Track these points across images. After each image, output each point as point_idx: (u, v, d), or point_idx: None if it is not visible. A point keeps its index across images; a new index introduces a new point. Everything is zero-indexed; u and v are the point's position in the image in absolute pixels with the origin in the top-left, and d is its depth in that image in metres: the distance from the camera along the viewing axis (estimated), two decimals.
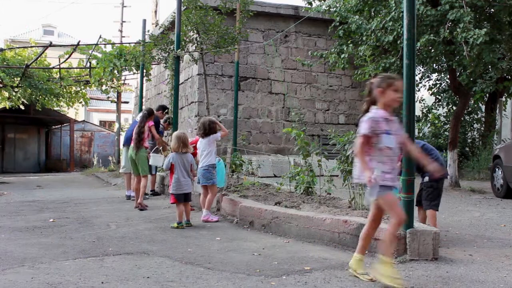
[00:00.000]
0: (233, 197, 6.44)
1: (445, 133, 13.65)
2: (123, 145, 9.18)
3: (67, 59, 15.15)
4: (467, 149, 13.69)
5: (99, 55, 15.61)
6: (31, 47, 17.95)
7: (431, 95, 15.05)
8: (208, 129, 6.27)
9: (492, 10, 8.86)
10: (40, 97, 18.43)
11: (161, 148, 8.60)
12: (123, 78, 19.12)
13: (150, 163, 8.06)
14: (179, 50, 8.93)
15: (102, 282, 3.41)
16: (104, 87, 16.96)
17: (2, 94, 18.78)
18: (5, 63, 16.83)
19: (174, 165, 5.92)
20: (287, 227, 5.10)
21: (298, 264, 3.89)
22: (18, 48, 18.14)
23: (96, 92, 23.78)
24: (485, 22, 8.71)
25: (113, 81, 16.95)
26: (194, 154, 6.47)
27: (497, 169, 8.71)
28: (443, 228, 5.38)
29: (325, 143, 9.87)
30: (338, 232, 4.52)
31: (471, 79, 9.49)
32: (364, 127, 3.33)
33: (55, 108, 22.32)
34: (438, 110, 14.86)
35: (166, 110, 9.65)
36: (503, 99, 13.48)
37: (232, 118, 11.21)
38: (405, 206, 4.06)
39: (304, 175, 6.31)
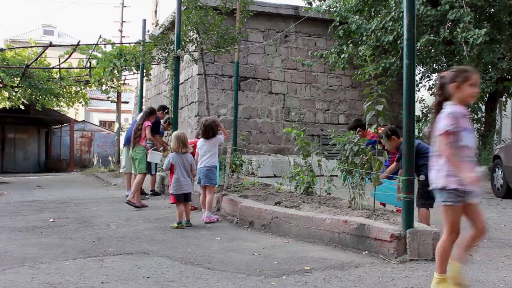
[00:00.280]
0: (233, 197, 6.44)
1: None
2: (124, 145, 9.21)
3: (67, 59, 15.15)
4: None
5: (99, 55, 15.61)
6: (31, 47, 17.95)
7: (431, 95, 15.03)
8: (211, 132, 6.24)
9: (492, 10, 8.87)
10: (40, 97, 18.43)
11: (161, 148, 8.61)
12: (123, 78, 19.11)
13: (148, 160, 8.09)
14: (179, 50, 8.93)
15: (102, 282, 3.41)
16: (104, 87, 16.96)
17: (2, 94, 18.78)
18: (5, 63, 16.83)
19: (174, 165, 5.92)
20: (287, 227, 5.10)
21: (298, 264, 3.89)
22: (18, 48, 18.14)
23: (96, 92, 23.78)
24: (485, 22, 8.72)
25: (113, 81, 16.95)
26: (193, 154, 6.47)
27: (497, 169, 8.71)
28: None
29: (325, 143, 9.87)
30: (338, 232, 4.52)
31: None
32: (445, 124, 2.99)
33: (55, 108, 22.32)
34: None
35: (166, 110, 9.65)
36: (503, 99, 13.48)
37: (232, 118, 11.21)
38: (405, 206, 4.06)
39: (304, 175, 6.31)
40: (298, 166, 6.61)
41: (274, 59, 13.38)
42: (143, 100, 14.61)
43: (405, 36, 4.12)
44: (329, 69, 11.49)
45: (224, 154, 8.07)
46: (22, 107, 19.19)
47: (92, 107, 33.73)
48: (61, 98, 19.80)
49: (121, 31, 24.93)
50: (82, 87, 19.64)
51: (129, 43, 16.08)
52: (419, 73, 14.50)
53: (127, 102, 26.41)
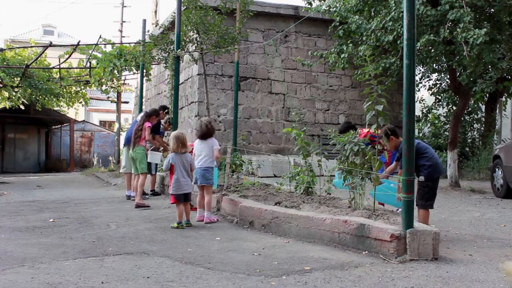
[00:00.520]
0: (233, 197, 6.44)
1: (445, 133, 13.66)
2: (124, 145, 9.22)
3: (67, 59, 15.15)
4: (467, 149, 13.69)
5: (99, 55, 15.61)
6: (31, 47, 17.95)
7: (431, 95, 15.05)
8: (206, 131, 6.24)
9: (492, 10, 8.86)
10: (40, 97, 18.44)
11: (161, 148, 8.61)
12: (123, 78, 19.12)
13: (148, 160, 8.12)
14: (179, 50, 8.93)
15: (102, 282, 3.41)
16: (104, 87, 16.97)
17: (2, 94, 18.79)
18: (5, 63, 16.83)
19: (174, 165, 5.92)
20: (287, 227, 5.10)
21: (298, 264, 3.89)
22: (18, 48, 18.14)
23: (96, 92, 23.79)
24: (485, 22, 8.71)
25: (113, 81, 16.95)
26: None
27: (497, 169, 8.71)
28: (443, 228, 5.39)
29: (325, 143, 9.87)
30: (338, 232, 4.52)
31: (471, 79, 9.49)
32: None
33: (55, 108, 22.33)
34: (438, 110, 14.86)
35: (167, 110, 9.66)
36: (503, 99, 13.49)
37: (232, 118, 11.21)
38: (405, 206, 4.06)
39: (304, 175, 6.31)
40: (298, 166, 6.61)
41: (274, 59, 13.38)
42: (143, 100, 14.62)
43: (405, 36, 4.12)
44: (329, 69, 11.49)
45: (224, 154, 8.07)
46: (22, 107, 19.19)
47: (92, 107, 33.73)
48: (61, 98, 19.81)
49: (121, 31, 24.93)
50: (82, 87, 19.65)
51: (129, 43, 16.08)
52: (419, 73, 14.52)
53: (127, 102, 26.41)
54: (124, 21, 25.39)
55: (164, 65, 10.66)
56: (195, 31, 9.43)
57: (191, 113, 13.12)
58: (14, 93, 17.83)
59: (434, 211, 6.18)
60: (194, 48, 9.66)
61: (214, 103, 12.54)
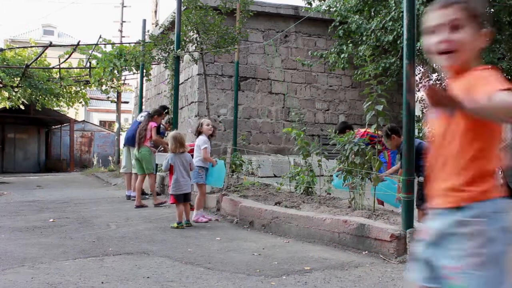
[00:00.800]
0: (233, 197, 6.44)
1: None
2: (124, 145, 9.23)
3: (67, 59, 15.14)
4: None
5: (99, 55, 15.61)
6: (31, 47, 17.95)
7: None
8: (197, 131, 6.38)
9: (492, 10, 8.86)
10: (40, 97, 18.43)
11: (161, 148, 8.61)
12: (123, 78, 19.11)
13: (156, 162, 8.18)
14: (179, 50, 8.93)
15: (102, 282, 3.41)
16: (104, 87, 16.96)
17: (2, 94, 18.78)
18: (5, 63, 16.83)
19: (173, 165, 5.93)
20: (287, 227, 5.10)
21: (298, 264, 3.89)
22: (18, 48, 18.13)
23: (96, 92, 23.77)
24: (485, 22, 8.72)
25: (113, 81, 16.94)
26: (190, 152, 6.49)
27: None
28: None
29: (325, 143, 9.87)
30: (338, 232, 4.52)
31: None
32: None
33: (55, 108, 22.32)
34: None
35: (167, 110, 9.66)
36: None
37: (232, 118, 11.20)
38: (405, 206, 4.06)
39: (304, 175, 6.32)
40: (298, 166, 6.62)
41: (274, 59, 13.38)
42: (143, 100, 14.61)
43: (405, 36, 4.12)
44: (329, 69, 11.49)
45: (224, 154, 8.07)
46: (22, 107, 19.18)
47: (92, 107, 33.72)
48: (61, 98, 19.80)
49: (121, 31, 24.93)
50: (82, 87, 19.64)
51: (129, 43, 16.07)
52: (419, 73, 14.51)
53: (127, 102, 26.40)
54: (124, 21, 25.39)
55: (164, 65, 10.66)
56: (195, 31, 9.42)
57: (191, 113, 13.12)
58: (14, 93, 17.83)
59: None
60: (194, 48, 9.66)
61: (214, 103, 12.54)
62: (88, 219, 6.42)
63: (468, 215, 1.53)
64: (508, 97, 1.33)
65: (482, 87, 1.43)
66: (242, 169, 8.17)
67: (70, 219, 6.39)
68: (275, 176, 11.12)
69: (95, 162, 22.44)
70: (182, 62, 9.41)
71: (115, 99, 20.69)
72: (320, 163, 5.95)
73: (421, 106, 14.98)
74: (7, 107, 19.08)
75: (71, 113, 25.59)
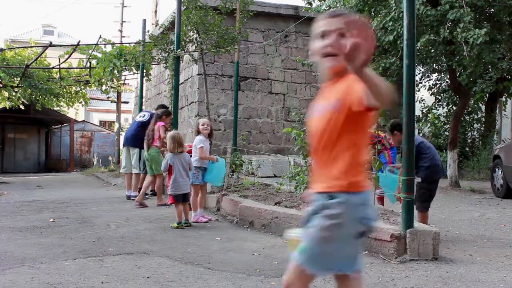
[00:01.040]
0: (233, 197, 6.44)
1: (445, 133, 13.65)
2: (123, 145, 9.24)
3: (67, 59, 15.14)
4: (467, 149, 13.69)
5: (99, 55, 15.60)
6: (31, 47, 17.94)
7: (431, 95, 15.05)
8: (196, 129, 6.40)
9: (492, 10, 8.86)
10: (40, 97, 18.43)
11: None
12: (123, 78, 19.10)
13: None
14: (179, 50, 8.93)
15: (102, 282, 3.40)
16: (104, 87, 16.95)
17: (2, 94, 18.78)
18: (5, 63, 16.83)
19: (172, 165, 5.92)
20: (287, 227, 5.09)
21: None
22: (18, 48, 18.14)
23: (96, 92, 23.77)
24: (485, 22, 8.71)
25: (113, 81, 16.93)
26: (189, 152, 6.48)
27: (497, 169, 8.71)
28: (443, 228, 5.38)
29: None
30: None
31: (471, 79, 9.48)
32: None
33: (55, 108, 22.32)
34: (438, 110, 14.86)
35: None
36: (503, 99, 13.48)
37: (232, 118, 11.20)
38: (405, 206, 4.06)
39: (304, 175, 6.31)
40: (298, 166, 6.61)
41: (274, 59, 13.38)
42: (143, 100, 14.61)
43: (405, 36, 4.12)
44: None
45: (224, 154, 8.06)
46: (22, 107, 19.17)
47: (92, 107, 33.72)
48: (61, 98, 19.80)
49: (121, 31, 24.92)
50: (82, 87, 19.63)
51: (129, 43, 16.06)
52: (419, 73, 14.50)
53: (127, 102, 26.40)
54: (124, 21, 25.37)
55: (164, 65, 10.66)
56: (195, 31, 9.42)
57: (191, 113, 13.12)
58: (14, 93, 17.83)
59: (434, 211, 6.19)
60: (194, 48, 9.66)
61: (214, 103, 12.53)
62: (88, 219, 6.42)
63: (333, 201, 1.82)
64: (383, 81, 1.62)
65: (359, 85, 1.68)
66: (242, 169, 8.17)
67: (70, 219, 6.39)
68: (275, 176, 11.11)
69: (95, 162, 22.43)
70: (182, 62, 9.41)
71: (115, 99, 20.69)
72: None
73: (421, 106, 14.97)
74: (7, 107, 19.08)
75: (71, 113, 25.59)
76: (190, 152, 6.33)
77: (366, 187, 1.89)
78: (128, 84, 22.37)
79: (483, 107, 14.06)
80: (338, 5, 10.25)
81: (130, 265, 3.90)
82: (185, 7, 9.34)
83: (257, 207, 5.63)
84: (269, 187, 7.28)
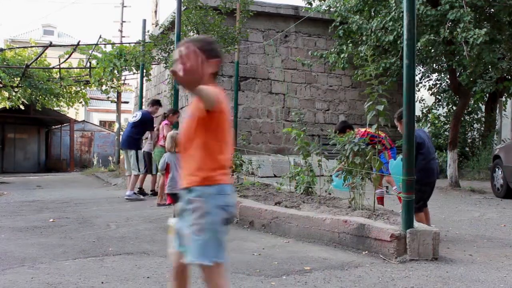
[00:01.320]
0: None
1: (445, 133, 13.65)
2: (121, 148, 9.27)
3: (67, 59, 15.14)
4: (467, 149, 13.68)
5: (99, 55, 15.59)
6: (31, 47, 17.94)
7: (431, 95, 15.05)
8: None
9: (492, 10, 8.86)
10: (40, 97, 18.42)
11: None
12: (123, 78, 19.10)
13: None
14: None
15: (102, 282, 3.41)
16: (104, 87, 16.94)
17: (2, 94, 18.77)
18: (5, 63, 16.82)
19: (170, 164, 5.92)
20: (287, 227, 5.10)
21: (298, 264, 3.88)
22: (18, 48, 18.13)
23: (96, 92, 23.76)
24: (485, 22, 8.71)
25: (113, 81, 16.92)
26: None
27: (497, 169, 8.71)
28: (443, 228, 5.38)
29: (325, 143, 9.86)
30: (338, 232, 4.52)
31: (471, 79, 9.49)
32: None
33: (55, 108, 22.31)
34: (438, 110, 14.85)
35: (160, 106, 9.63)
36: (503, 99, 13.48)
37: (232, 118, 11.20)
38: (405, 206, 4.06)
39: (304, 175, 6.31)
40: (298, 166, 6.61)
41: (274, 59, 13.38)
42: (143, 100, 14.60)
43: (405, 36, 4.12)
44: (329, 69, 11.49)
45: None
46: (22, 107, 19.16)
47: (92, 107, 33.70)
48: (61, 98, 19.78)
49: (121, 31, 24.90)
50: (82, 87, 19.63)
51: (129, 43, 16.07)
52: (419, 73, 14.50)
53: (127, 102, 26.37)
54: (124, 21, 25.36)
55: (164, 65, 10.66)
56: (195, 31, 9.43)
57: None
58: (14, 93, 17.81)
59: (434, 211, 6.19)
60: None
61: None
62: (88, 219, 6.42)
63: (192, 195, 2.14)
64: (212, 90, 2.15)
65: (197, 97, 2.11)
66: (242, 169, 8.17)
67: (70, 219, 6.39)
68: (275, 176, 11.12)
69: (95, 162, 22.41)
70: None
71: (115, 99, 20.67)
72: (320, 163, 5.95)
73: (421, 106, 14.97)
74: (7, 107, 19.07)
75: (71, 113, 25.58)
76: None
77: (223, 180, 2.15)
78: (128, 84, 22.37)
79: (483, 107, 14.06)
80: (338, 5, 10.25)
81: (130, 265, 3.90)
82: (185, 7, 9.34)
83: (257, 207, 5.63)
84: (269, 187, 7.28)
